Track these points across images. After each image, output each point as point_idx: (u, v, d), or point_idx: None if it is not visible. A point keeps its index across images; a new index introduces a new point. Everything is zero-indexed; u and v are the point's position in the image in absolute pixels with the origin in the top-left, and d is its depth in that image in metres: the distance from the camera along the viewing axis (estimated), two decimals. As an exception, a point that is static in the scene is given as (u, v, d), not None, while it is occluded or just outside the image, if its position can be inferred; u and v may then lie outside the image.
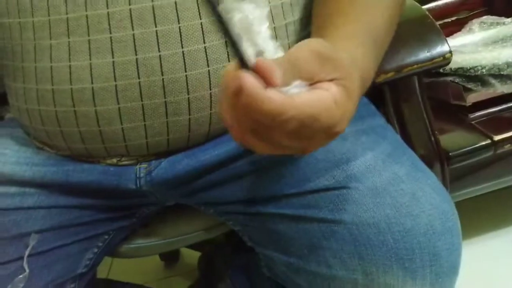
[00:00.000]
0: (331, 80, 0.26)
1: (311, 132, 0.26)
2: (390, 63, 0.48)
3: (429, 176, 0.38)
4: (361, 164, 0.37)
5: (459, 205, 0.40)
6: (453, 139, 0.60)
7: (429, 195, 0.36)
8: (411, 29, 0.51)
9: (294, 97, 0.24)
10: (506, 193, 0.72)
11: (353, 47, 0.32)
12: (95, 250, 0.46)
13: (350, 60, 0.29)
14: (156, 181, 0.42)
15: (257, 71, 0.23)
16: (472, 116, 0.63)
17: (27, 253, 0.40)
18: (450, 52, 0.48)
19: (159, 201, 0.46)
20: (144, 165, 0.43)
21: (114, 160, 0.42)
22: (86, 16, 0.37)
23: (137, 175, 0.43)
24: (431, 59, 0.48)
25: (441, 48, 0.48)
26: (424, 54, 0.49)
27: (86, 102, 0.38)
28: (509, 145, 0.57)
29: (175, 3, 0.37)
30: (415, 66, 0.48)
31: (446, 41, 0.48)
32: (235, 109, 0.24)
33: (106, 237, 0.46)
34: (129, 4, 0.36)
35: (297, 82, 0.25)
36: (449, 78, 0.65)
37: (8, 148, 0.44)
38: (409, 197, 0.35)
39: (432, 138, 0.57)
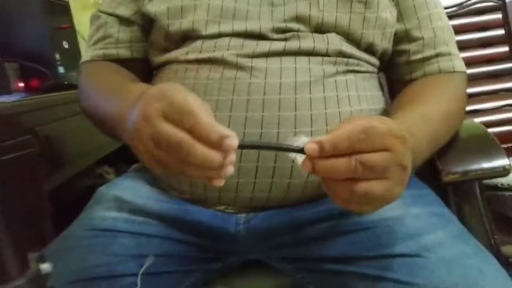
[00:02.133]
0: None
1: (382, 139, 0.34)
2: (457, 167, 0.57)
3: (492, 258, 0.44)
4: (432, 238, 0.44)
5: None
6: (513, 248, 0.64)
7: (494, 273, 0.42)
8: (476, 143, 0.60)
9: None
10: None
11: (400, 119, 0.46)
12: (187, 283, 0.53)
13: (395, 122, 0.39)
14: (251, 230, 0.52)
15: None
16: (530, 229, 0.67)
17: (142, 269, 0.48)
18: (510, 164, 0.56)
19: (245, 251, 0.54)
20: (243, 215, 0.52)
21: (222, 207, 0.53)
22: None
23: (237, 222, 0.52)
24: (493, 168, 0.56)
25: (502, 160, 0.57)
26: (486, 164, 0.57)
27: None
28: None
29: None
30: (479, 172, 0.56)
31: (506, 155, 0.57)
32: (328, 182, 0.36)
33: (198, 274, 0.54)
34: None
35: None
36: (508, 193, 0.72)
37: (143, 186, 0.56)
38: (476, 271, 0.41)
39: (492, 241, 0.61)
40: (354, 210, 0.38)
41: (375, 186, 0.35)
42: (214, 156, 0.34)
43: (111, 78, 0.57)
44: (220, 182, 0.36)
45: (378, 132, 0.35)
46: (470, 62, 1.06)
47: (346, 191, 0.35)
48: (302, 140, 0.36)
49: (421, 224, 0.46)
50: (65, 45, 0.97)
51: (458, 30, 1.09)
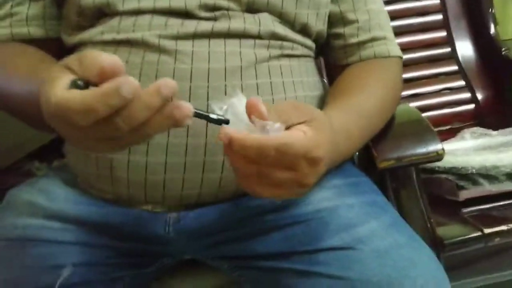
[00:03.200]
0: (302, 123, 0.36)
1: (292, 159, 0.34)
2: (391, 153, 0.57)
3: (426, 247, 0.44)
4: (366, 229, 0.43)
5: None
6: (448, 229, 0.66)
7: (425, 262, 0.41)
8: (411, 129, 0.60)
9: (270, 135, 0.34)
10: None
11: (334, 110, 0.46)
12: None
13: (321, 113, 0.40)
14: (182, 230, 0.48)
15: (249, 105, 0.34)
16: (465, 210, 0.69)
17: (59, 282, 0.44)
18: (443, 149, 0.56)
19: (179, 252, 0.51)
20: (174, 214, 0.48)
21: (149, 207, 0.48)
22: None
23: (167, 222, 0.48)
24: (427, 153, 0.56)
25: (435, 145, 0.57)
26: (420, 149, 0.57)
27: (140, 153, 0.45)
28: (498, 238, 0.63)
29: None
30: (413, 158, 0.56)
31: (439, 140, 0.57)
32: (234, 157, 0.34)
33: (127, 280, 0.50)
34: None
35: (277, 125, 0.35)
36: (443, 176, 0.73)
37: (59, 188, 0.51)
38: (408, 262, 0.41)
39: (428, 225, 0.63)
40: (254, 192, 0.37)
41: (265, 190, 0.36)
42: (149, 100, 0.30)
43: (23, 59, 0.50)
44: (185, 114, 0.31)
45: (290, 152, 0.34)
46: (410, 47, 1.07)
47: (242, 179, 0.36)
48: (239, 98, 0.35)
49: (355, 214, 0.45)
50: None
51: (398, 15, 1.11)
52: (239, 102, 0.35)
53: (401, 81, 0.58)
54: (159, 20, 0.47)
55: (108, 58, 0.30)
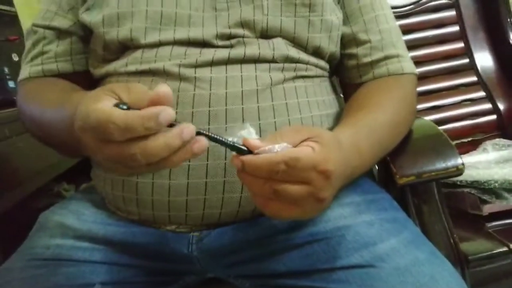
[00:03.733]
0: (309, 140, 0.38)
1: (302, 173, 0.35)
2: (411, 169, 0.57)
3: (447, 263, 0.44)
4: (385, 247, 0.44)
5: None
6: (472, 244, 0.65)
7: (447, 279, 0.41)
8: (429, 143, 0.60)
9: (278, 152, 0.36)
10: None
11: (345, 128, 0.47)
12: None
13: (326, 131, 0.42)
14: (205, 249, 0.49)
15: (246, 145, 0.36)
16: (489, 225, 0.68)
17: (88, 301, 0.46)
18: (463, 164, 0.56)
19: (202, 270, 0.52)
20: (196, 234, 0.50)
21: (173, 227, 0.50)
22: None
23: (190, 242, 0.50)
24: (446, 168, 0.56)
25: (455, 160, 0.57)
26: (440, 164, 0.57)
27: (163, 176, 0.47)
28: (525, 254, 0.61)
29: None
30: (433, 173, 0.56)
31: (459, 155, 0.57)
32: (248, 180, 0.37)
33: (152, 299, 0.52)
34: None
35: (284, 144, 0.36)
36: (466, 190, 0.72)
37: (87, 210, 0.53)
38: (429, 279, 0.41)
39: (451, 240, 0.62)
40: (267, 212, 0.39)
41: (283, 210, 0.37)
42: (169, 141, 0.33)
43: (53, 93, 0.53)
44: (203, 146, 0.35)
45: (299, 166, 0.35)
46: (427, 59, 1.07)
47: (257, 200, 0.38)
48: (249, 131, 0.37)
49: (374, 232, 0.46)
50: (15, 57, 0.92)
51: (415, 28, 1.11)
52: (249, 135, 0.37)
53: (415, 97, 0.59)
54: (179, 50, 0.49)
55: (162, 87, 0.33)
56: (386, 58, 0.57)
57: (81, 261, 0.48)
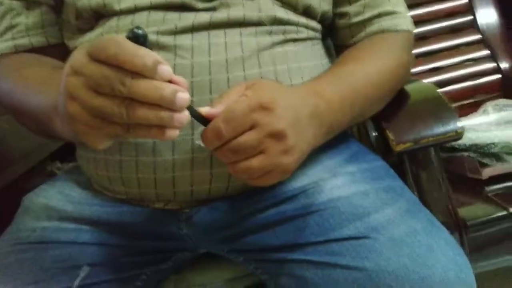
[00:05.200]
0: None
1: (245, 119, 0.36)
2: (408, 135, 0.54)
3: (444, 232, 0.42)
4: (380, 217, 0.42)
5: (480, 278, 0.42)
6: (471, 209, 0.64)
7: (443, 248, 0.40)
8: (428, 107, 0.57)
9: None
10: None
11: (319, 81, 0.46)
12: None
13: (264, 79, 0.44)
14: (195, 225, 0.48)
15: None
16: (488, 189, 0.66)
17: (76, 282, 0.45)
18: (462, 128, 0.54)
19: (194, 246, 0.51)
20: (186, 210, 0.48)
21: (162, 205, 0.49)
22: None
23: (180, 219, 0.48)
24: (445, 133, 0.54)
25: (454, 124, 0.54)
26: (438, 129, 0.54)
27: (147, 153, 0.45)
28: (525, 217, 0.60)
29: None
30: (431, 138, 0.54)
31: (458, 118, 0.54)
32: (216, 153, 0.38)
33: (144, 277, 0.51)
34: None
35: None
36: (465, 154, 0.70)
37: (72, 190, 0.52)
38: (425, 249, 0.39)
39: (450, 207, 0.60)
40: (254, 183, 0.39)
41: (253, 162, 0.37)
42: (162, 84, 0.32)
43: (31, 73, 0.51)
44: (175, 132, 0.34)
45: (235, 115, 0.36)
46: (429, 18, 1.02)
47: (232, 170, 0.38)
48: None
49: (369, 202, 0.44)
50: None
51: (415, -16, 1.06)
52: None
53: (408, 55, 0.55)
54: (157, 15, 0.46)
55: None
56: (380, 15, 0.53)
57: (67, 242, 0.47)
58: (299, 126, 0.38)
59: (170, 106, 0.32)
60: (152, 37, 0.45)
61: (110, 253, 0.48)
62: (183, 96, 0.33)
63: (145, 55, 0.31)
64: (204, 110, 0.37)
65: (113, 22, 0.47)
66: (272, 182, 0.39)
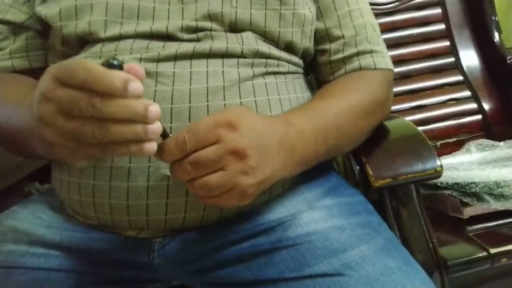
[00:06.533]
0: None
1: (207, 134, 0.36)
2: (387, 171, 0.54)
3: (420, 272, 0.42)
4: (356, 254, 0.41)
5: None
6: (452, 249, 0.63)
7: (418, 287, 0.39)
8: (407, 144, 0.58)
9: None
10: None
11: (291, 112, 0.47)
12: None
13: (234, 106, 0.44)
14: (168, 256, 0.46)
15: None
16: (470, 228, 0.66)
17: (40, 312, 0.43)
18: (441, 166, 0.54)
19: (167, 277, 0.49)
20: (159, 240, 0.47)
21: (134, 233, 0.47)
22: None
23: (152, 248, 0.47)
24: (424, 171, 0.54)
25: (433, 162, 0.54)
26: (418, 166, 0.55)
27: (121, 178, 0.44)
28: (505, 259, 0.59)
29: None
30: (410, 175, 0.54)
31: (437, 156, 0.55)
32: (173, 170, 0.38)
33: (112, 308, 0.48)
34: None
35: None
36: (447, 192, 0.70)
37: (44, 213, 0.50)
38: (399, 289, 0.38)
39: (430, 245, 0.60)
40: (211, 202, 0.39)
41: (211, 178, 0.36)
42: (132, 102, 0.32)
43: (9, 91, 0.50)
44: (152, 145, 0.34)
45: (200, 128, 0.36)
46: (412, 58, 1.05)
47: (190, 187, 0.38)
48: None
49: (345, 237, 0.43)
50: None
51: (400, 25, 1.09)
52: None
53: (385, 92, 0.56)
54: (141, 43, 0.47)
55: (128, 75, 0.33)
56: (359, 53, 0.55)
57: (35, 268, 0.45)
58: (265, 149, 0.38)
59: (143, 120, 0.33)
60: (134, 63, 0.45)
61: (78, 281, 0.46)
62: (155, 108, 0.33)
63: (113, 76, 0.32)
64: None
65: (97, 48, 0.47)
66: (230, 204, 0.39)
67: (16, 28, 0.53)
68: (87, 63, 0.32)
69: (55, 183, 0.51)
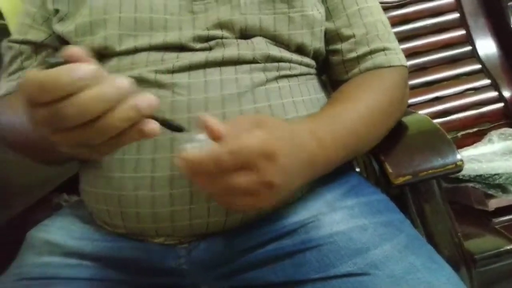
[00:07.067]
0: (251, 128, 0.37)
1: (247, 159, 0.35)
2: (406, 168, 0.54)
3: (445, 268, 0.41)
4: (379, 253, 0.41)
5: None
6: (478, 243, 0.62)
7: (444, 285, 0.39)
8: (425, 140, 0.57)
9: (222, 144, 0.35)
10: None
11: (304, 120, 0.47)
12: None
13: (270, 117, 0.44)
14: (194, 261, 0.48)
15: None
16: (496, 220, 0.65)
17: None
18: (461, 160, 0.53)
19: (195, 283, 0.50)
20: (185, 245, 0.48)
21: (161, 239, 0.49)
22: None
23: (178, 254, 0.48)
24: (444, 165, 0.53)
25: (453, 157, 0.54)
26: (437, 161, 0.54)
27: (146, 188, 0.46)
28: (534, 250, 0.58)
29: None
30: (430, 171, 0.53)
31: (457, 150, 0.54)
32: (198, 179, 0.36)
33: (145, 314, 0.50)
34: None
35: (201, 135, 0.36)
36: (470, 184, 0.70)
37: (74, 225, 0.52)
38: (425, 286, 0.38)
39: (456, 240, 0.59)
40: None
41: (238, 201, 0.36)
42: (98, 89, 0.30)
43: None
44: (152, 125, 0.33)
45: (243, 152, 0.35)
46: (427, 49, 1.04)
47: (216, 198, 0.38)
48: (199, 138, 0.36)
49: (368, 237, 0.43)
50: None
51: (411, 17, 1.08)
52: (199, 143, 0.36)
53: (400, 88, 0.55)
54: (155, 56, 0.48)
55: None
56: (372, 52, 0.54)
57: (69, 278, 0.47)
58: (293, 176, 0.38)
59: (120, 97, 0.31)
60: (150, 76, 0.47)
61: None
62: (122, 80, 0.32)
63: (57, 76, 0.30)
64: (211, 120, 0.36)
65: (113, 62, 0.49)
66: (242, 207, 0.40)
67: (37, 48, 0.55)
68: (34, 77, 0.30)
69: (83, 195, 0.53)
